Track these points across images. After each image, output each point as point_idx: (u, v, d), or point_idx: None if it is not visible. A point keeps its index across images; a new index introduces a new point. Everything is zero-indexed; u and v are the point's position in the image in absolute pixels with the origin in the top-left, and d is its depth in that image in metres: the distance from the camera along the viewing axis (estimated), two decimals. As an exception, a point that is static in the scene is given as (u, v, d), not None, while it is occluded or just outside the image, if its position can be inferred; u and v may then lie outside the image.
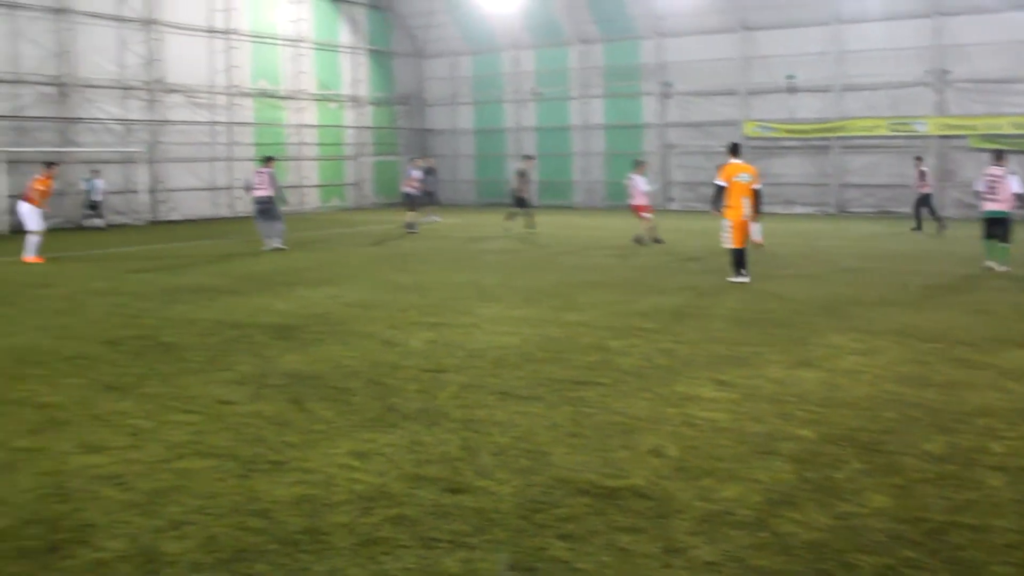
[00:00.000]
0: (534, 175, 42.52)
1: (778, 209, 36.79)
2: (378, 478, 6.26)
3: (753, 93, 38.05)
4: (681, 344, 10.84)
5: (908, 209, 29.56)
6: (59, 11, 31.70)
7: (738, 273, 16.12)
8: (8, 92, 30.61)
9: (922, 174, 27.51)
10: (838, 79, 35.99)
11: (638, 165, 24.98)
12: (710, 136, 38.40)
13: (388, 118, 45.70)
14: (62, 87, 31.90)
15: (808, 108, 36.98)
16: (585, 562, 4.96)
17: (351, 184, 43.77)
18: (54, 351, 10.76)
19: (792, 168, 37.54)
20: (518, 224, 28.11)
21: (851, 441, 7.03)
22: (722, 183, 16.25)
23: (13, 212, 30.10)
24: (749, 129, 37.83)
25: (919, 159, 28.93)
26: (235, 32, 37.69)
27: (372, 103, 44.41)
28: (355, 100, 43.54)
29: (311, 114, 41.36)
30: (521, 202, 28.41)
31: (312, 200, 41.48)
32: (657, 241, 23.25)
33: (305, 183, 41.07)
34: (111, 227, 31.80)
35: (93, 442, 7.15)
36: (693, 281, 16.45)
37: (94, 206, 31.87)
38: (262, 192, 23.05)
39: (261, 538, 5.29)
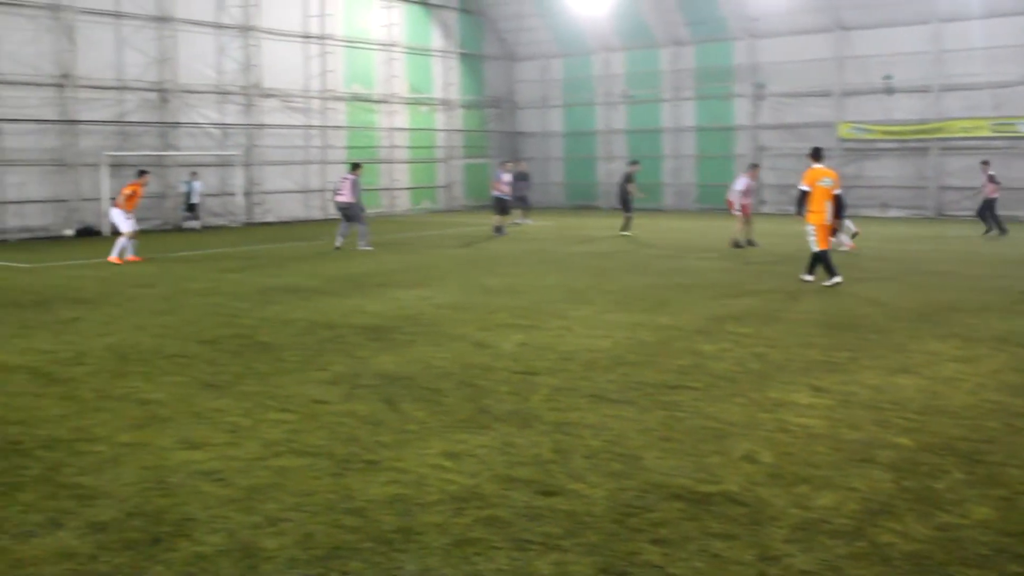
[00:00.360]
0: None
1: (873, 212, 36.11)
2: (470, 479, 6.29)
3: (848, 94, 37.34)
4: (774, 348, 10.70)
5: (1010, 213, 28.77)
6: (161, 20, 32.56)
7: (831, 275, 16.04)
8: (114, 98, 31.53)
9: (990, 178, 26.90)
10: (937, 79, 35.12)
11: (751, 168, 24.83)
12: (803, 138, 37.78)
13: (479, 121, 45.93)
14: (163, 93, 32.74)
15: (905, 109, 36.16)
16: (678, 568, 4.92)
17: (442, 187, 44.08)
18: (155, 349, 11.05)
19: (888, 170, 36.76)
20: (632, 228, 28.44)
21: (951, 450, 6.86)
22: (806, 188, 16.26)
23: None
24: (844, 131, 37.15)
25: (986, 163, 28.38)
26: (330, 37, 38.26)
27: (463, 106, 44.67)
28: (446, 103, 43.85)
29: (403, 117, 41.76)
30: (626, 205, 28.88)
31: (403, 202, 41.90)
32: (751, 244, 22.98)
33: (396, 186, 41.50)
34: (207, 228, 32.55)
35: (193, 438, 7.32)
36: (786, 285, 16.22)
37: (192, 208, 32.66)
38: (342, 198, 23.87)
39: (356, 536, 5.35)
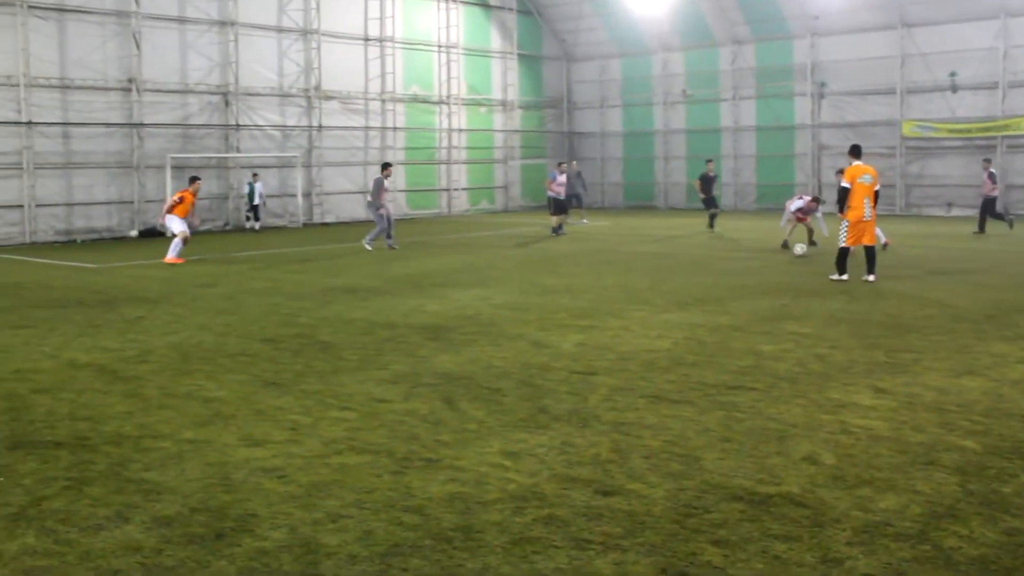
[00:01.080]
0: (682, 178, 42.30)
1: (937, 212, 35.54)
2: (530, 478, 6.30)
3: (912, 92, 36.72)
4: (836, 349, 10.57)
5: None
6: (224, 24, 33.04)
7: (840, 272, 16.49)
8: (178, 101, 32.08)
9: (991, 176, 26.92)
10: (1004, 76, 34.44)
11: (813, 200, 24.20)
12: (865, 137, 37.18)
13: (536, 121, 45.94)
14: (226, 96, 33.21)
15: (971, 106, 35.45)
16: (739, 569, 4.88)
17: (499, 187, 44.17)
18: (217, 348, 11.20)
19: (952, 169, 36.06)
20: (718, 226, 28.62)
21: (1019, 454, 6.72)
22: (846, 185, 16.32)
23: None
24: (907, 129, 36.56)
25: (987, 161, 28.36)
26: (389, 40, 38.51)
27: (521, 107, 44.69)
28: (504, 104, 43.92)
29: (461, 118, 41.92)
30: (709, 203, 29.25)
31: (461, 203, 42.05)
32: (812, 244, 22.67)
33: (454, 186, 41.66)
34: (266, 229, 32.92)
35: (255, 436, 7.41)
36: (848, 285, 16.01)
37: (254, 209, 33.06)
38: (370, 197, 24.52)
39: (416, 534, 5.38)
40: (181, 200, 21.68)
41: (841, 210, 16.48)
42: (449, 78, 41.04)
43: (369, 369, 9.84)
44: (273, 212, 34.60)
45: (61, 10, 29.14)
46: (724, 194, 41.87)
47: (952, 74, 35.51)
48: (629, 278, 17.46)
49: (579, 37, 45.46)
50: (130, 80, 30.61)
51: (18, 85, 28.19)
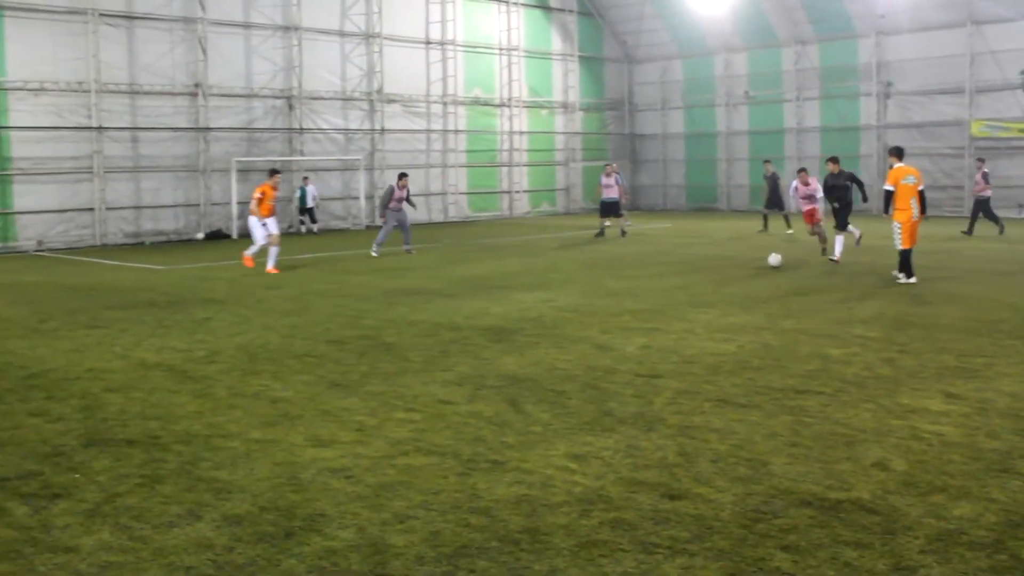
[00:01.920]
0: (744, 180, 41.87)
1: (1008, 213, 34.78)
2: (596, 481, 6.28)
3: (981, 91, 36.02)
4: (905, 354, 10.40)
5: None
6: (288, 29, 33.45)
7: (907, 275, 16.43)
8: (243, 106, 32.55)
9: (984, 176, 26.71)
10: (1078, 73, 33.68)
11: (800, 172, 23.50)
12: (932, 137, 36.68)
13: (598, 123, 45.85)
14: (289, 100, 33.60)
15: (1043, 105, 34.74)
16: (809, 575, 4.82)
17: (561, 189, 44.13)
18: (283, 349, 11.33)
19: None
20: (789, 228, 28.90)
21: (1099, 461, 6.56)
22: (890, 187, 16.44)
23: (244, 217, 32.09)
24: (976, 129, 35.86)
25: (981, 161, 28.02)
26: (450, 43, 38.70)
27: (582, 109, 44.62)
28: (565, 106, 43.88)
29: (522, 120, 41.96)
30: (772, 204, 29.63)
31: (522, 205, 42.08)
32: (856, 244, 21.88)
33: (516, 188, 41.71)
34: (328, 231, 33.20)
35: (322, 436, 7.47)
36: (915, 288, 15.75)
37: (308, 211, 33.33)
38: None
39: (483, 535, 5.39)
40: (262, 196, 20.46)
41: (886, 211, 16.56)
42: (510, 81, 41.13)
43: (433, 371, 9.89)
44: (336, 215, 34.93)
45: (130, 17, 29.72)
46: (787, 195, 41.40)
47: (1023, 72, 34.77)
48: (692, 281, 17.34)
49: (640, 38, 45.28)
50: (196, 85, 31.12)
51: (89, 91, 28.80)
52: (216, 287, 17.72)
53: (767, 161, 32.43)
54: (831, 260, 19.81)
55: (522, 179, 42.15)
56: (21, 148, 27.93)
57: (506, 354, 10.69)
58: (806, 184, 22.18)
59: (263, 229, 20.46)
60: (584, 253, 23.73)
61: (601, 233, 28.64)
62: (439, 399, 8.62)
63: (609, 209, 29.05)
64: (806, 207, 22.02)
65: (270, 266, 20.14)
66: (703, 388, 8.90)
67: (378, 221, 35.96)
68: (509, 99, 41.15)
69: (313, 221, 33.36)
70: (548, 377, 9.45)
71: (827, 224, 21.41)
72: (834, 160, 20.53)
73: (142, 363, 10.62)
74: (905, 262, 16.45)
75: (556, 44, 43.50)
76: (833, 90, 40.11)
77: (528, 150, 42.23)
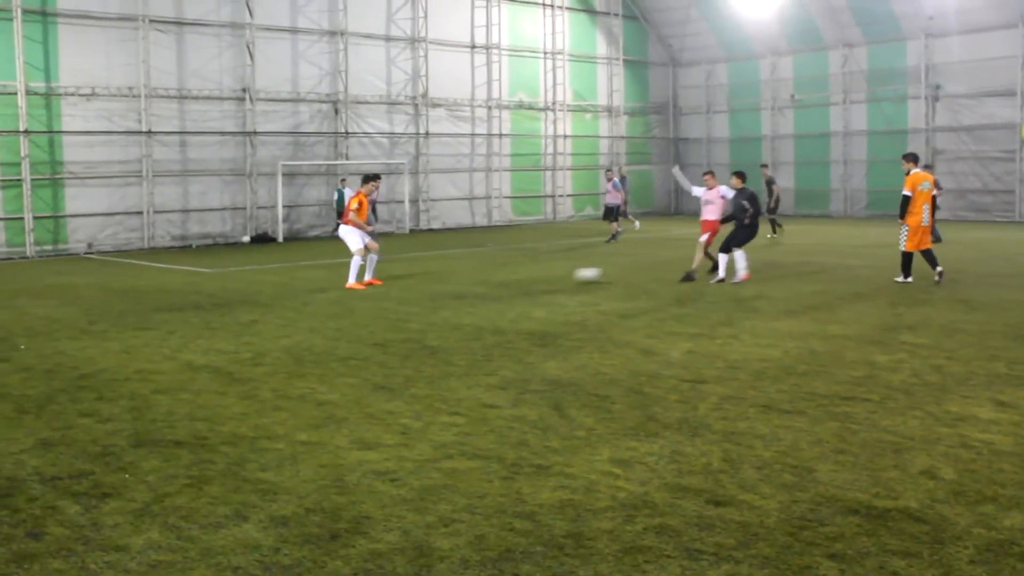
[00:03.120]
0: (789, 183, 41.44)
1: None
2: (640, 487, 6.25)
3: (1033, 93, 35.51)
4: (953, 361, 10.26)
5: None
6: (334, 34, 33.69)
7: (905, 276, 17.08)
8: (289, 110, 32.82)
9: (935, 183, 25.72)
10: None
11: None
12: (982, 141, 36.15)
13: (642, 127, 45.69)
14: (335, 104, 33.83)
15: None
16: (857, 584, 4.78)
17: (604, 193, 43.97)
18: (328, 351, 11.39)
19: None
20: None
21: None
22: (908, 193, 16.90)
23: (290, 220, 32.39)
24: (1028, 132, 35.36)
25: (928, 167, 27.18)
26: (495, 47, 38.78)
27: (626, 113, 44.48)
28: (610, 110, 43.78)
29: (566, 124, 41.92)
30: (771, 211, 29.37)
31: (566, 209, 42.03)
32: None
33: (559, 192, 41.69)
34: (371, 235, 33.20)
35: (367, 439, 7.51)
36: (965, 294, 15.54)
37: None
38: None
39: (527, 539, 5.38)
40: (360, 206, 18.75)
41: (902, 216, 16.97)
42: (555, 84, 41.10)
43: (477, 375, 9.90)
44: (381, 218, 35.08)
45: (180, 23, 30.08)
46: (833, 200, 41.04)
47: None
48: (736, 285, 17.22)
49: (685, 42, 45.08)
50: (244, 90, 31.42)
51: (139, 96, 29.16)
52: (262, 290, 17.88)
53: (764, 165, 32.52)
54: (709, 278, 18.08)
55: (566, 183, 42.10)
56: (73, 152, 28.37)
57: (550, 358, 10.68)
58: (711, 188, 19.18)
59: (359, 238, 18.66)
60: (627, 257, 23.63)
61: (613, 238, 28.55)
62: (483, 403, 8.63)
63: (608, 213, 29.57)
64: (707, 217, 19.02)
65: (369, 277, 18.68)
66: (748, 394, 8.84)
67: (425, 224, 36.21)
68: (553, 103, 41.13)
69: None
70: (592, 382, 9.44)
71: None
72: (738, 175, 18.90)
73: (189, 365, 10.73)
74: (906, 264, 17.09)
75: (601, 48, 43.42)
76: (880, 93, 39.65)
77: (572, 154, 42.18)
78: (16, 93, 27.06)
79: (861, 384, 9.20)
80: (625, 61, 44.14)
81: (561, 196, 41.82)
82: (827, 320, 13.14)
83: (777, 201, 30.18)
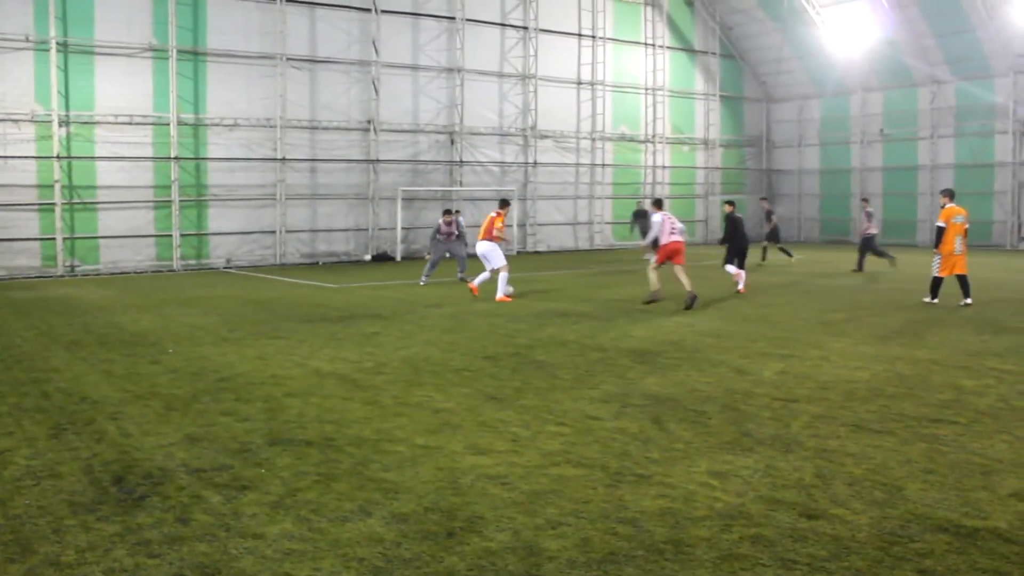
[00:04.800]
0: (878, 214, 40.29)
1: None
2: (736, 498, 6.17)
3: (1122, 131, 34.05)
4: (1043, 387, 9.88)
5: None
6: (451, 71, 34.17)
7: (932, 297, 17.68)
8: (409, 140, 33.38)
9: (868, 215, 25.86)
10: None
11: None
12: (1071, 176, 34.79)
13: (736, 159, 45.17)
14: (451, 135, 34.27)
15: None
16: (949, 600, 4.63)
17: (700, 221, 43.58)
18: (444, 363, 11.51)
19: None
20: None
21: None
22: (942, 224, 17.49)
23: (407, 241, 32.84)
24: (1116, 168, 33.89)
25: (865, 200, 27.63)
26: (600, 83, 38.83)
27: (722, 145, 44.05)
28: (706, 143, 43.41)
29: (665, 156, 41.69)
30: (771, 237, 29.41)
31: (663, 236, 41.68)
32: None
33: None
34: (471, 256, 33.32)
35: (480, 445, 7.56)
36: (1054, 324, 14.95)
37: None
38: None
39: (629, 544, 5.36)
40: (500, 226, 19.12)
41: (936, 245, 17.57)
42: (655, 118, 40.94)
43: (582, 388, 9.89)
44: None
45: (313, 61, 30.91)
46: (919, 231, 39.85)
47: None
48: (826, 310, 16.86)
49: (779, 79, 44.46)
50: (368, 121, 32.07)
51: (275, 127, 30.01)
52: (383, 304, 18.14)
53: (764, 199, 32.60)
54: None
55: (663, 210, 41.76)
56: (216, 177, 29.39)
57: (649, 375, 10.61)
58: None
59: (503, 254, 19.13)
60: (720, 281, 23.31)
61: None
62: (587, 415, 8.62)
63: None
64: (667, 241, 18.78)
65: (502, 293, 18.86)
66: (839, 413, 8.64)
67: (532, 247, 36.37)
68: (653, 136, 40.96)
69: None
70: (689, 398, 9.35)
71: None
72: (729, 203, 22.88)
73: (317, 371, 10.95)
74: (935, 287, 17.68)
75: (699, 84, 43.10)
76: (968, 128, 38.48)
77: (670, 184, 41.90)
78: (169, 124, 28.12)
79: (949, 407, 8.92)
80: (721, 97, 43.73)
81: (658, 223, 41.47)
82: (914, 345, 12.77)
83: (775, 229, 29.70)
